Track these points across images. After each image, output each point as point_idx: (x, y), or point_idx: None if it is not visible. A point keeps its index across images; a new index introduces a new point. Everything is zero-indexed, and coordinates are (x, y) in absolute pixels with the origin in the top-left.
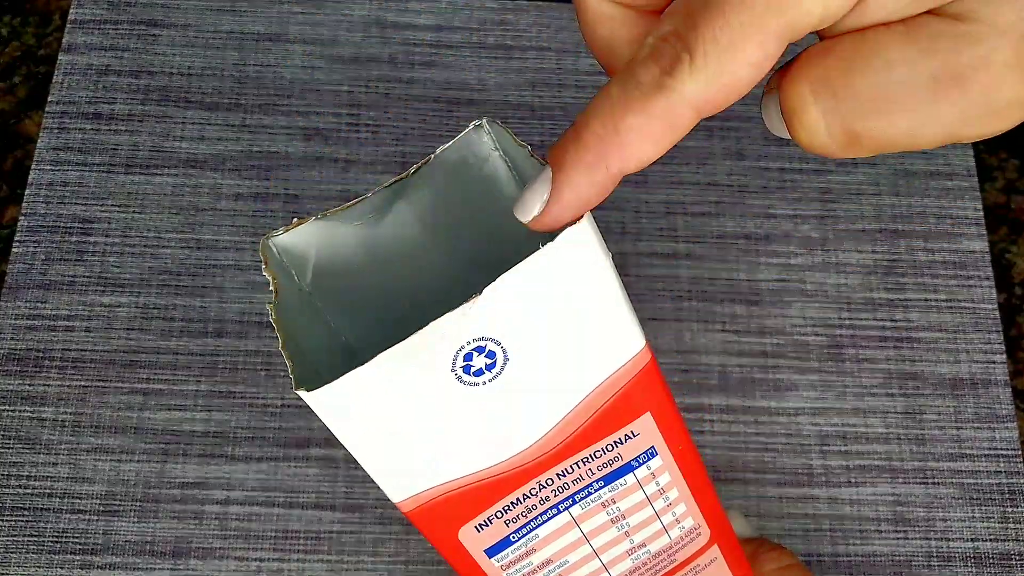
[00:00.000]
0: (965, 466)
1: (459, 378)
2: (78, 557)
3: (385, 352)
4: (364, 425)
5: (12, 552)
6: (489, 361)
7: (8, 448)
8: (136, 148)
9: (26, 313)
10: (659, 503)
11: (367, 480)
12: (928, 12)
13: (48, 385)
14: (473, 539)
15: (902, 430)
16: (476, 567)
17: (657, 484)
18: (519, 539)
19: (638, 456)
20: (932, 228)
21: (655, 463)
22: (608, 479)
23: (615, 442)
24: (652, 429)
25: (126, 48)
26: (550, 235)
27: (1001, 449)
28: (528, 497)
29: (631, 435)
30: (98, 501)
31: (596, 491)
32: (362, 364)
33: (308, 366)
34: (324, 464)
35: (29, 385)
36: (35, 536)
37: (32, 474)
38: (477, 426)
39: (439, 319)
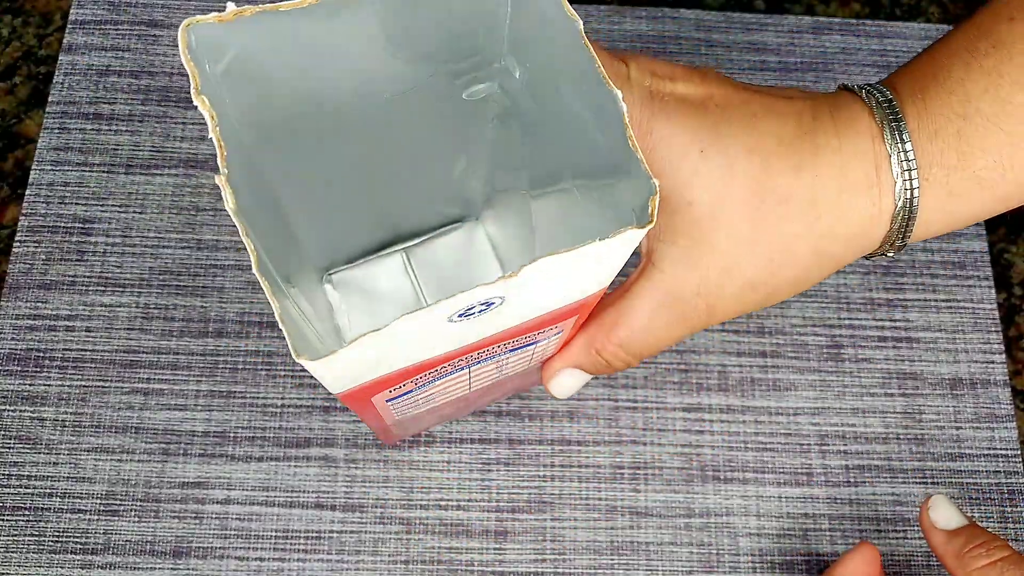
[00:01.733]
0: (964, 466)
1: (450, 320)
2: (79, 557)
3: (401, 320)
4: (347, 368)
5: (13, 552)
6: (484, 307)
7: (9, 448)
8: (137, 148)
9: (27, 313)
10: (537, 356)
11: (367, 480)
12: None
13: (49, 385)
14: (382, 397)
15: (901, 430)
16: (371, 408)
17: (546, 348)
18: (419, 389)
19: (546, 336)
20: None
21: (554, 336)
22: (514, 350)
23: (539, 333)
24: (570, 323)
25: (127, 48)
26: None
27: (1000, 449)
28: (442, 368)
29: (555, 329)
30: (99, 501)
31: (499, 355)
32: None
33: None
34: (324, 464)
35: (30, 385)
36: (36, 536)
37: (33, 474)
38: (440, 341)
39: (468, 292)
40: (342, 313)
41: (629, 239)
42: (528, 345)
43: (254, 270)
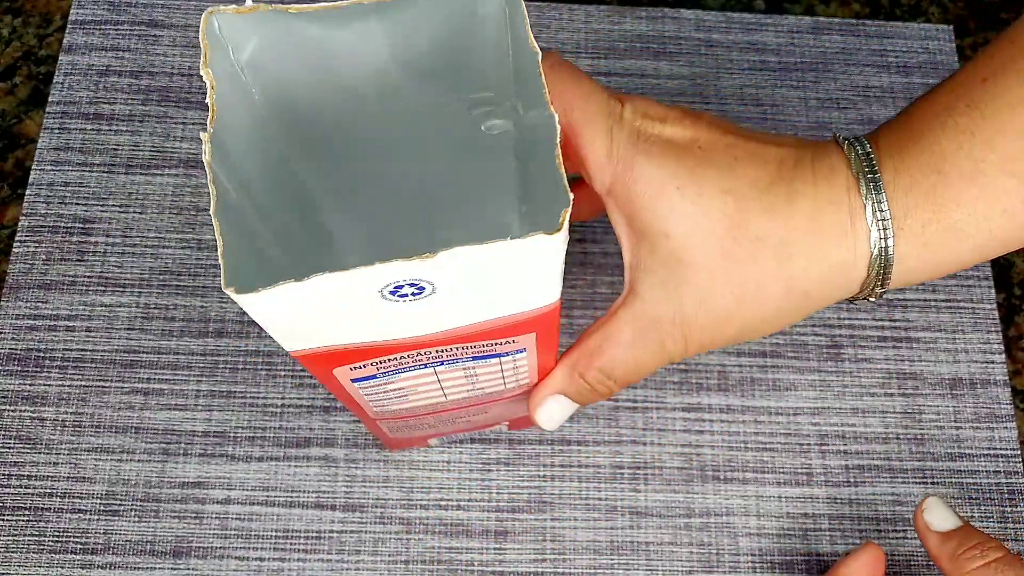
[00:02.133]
0: (964, 466)
1: (383, 297)
2: (79, 557)
3: (321, 276)
4: (281, 314)
5: (13, 552)
6: (416, 291)
7: (9, 448)
8: (137, 148)
9: (27, 313)
10: (509, 374)
11: (367, 480)
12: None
13: (49, 385)
14: (345, 373)
15: (901, 430)
16: (340, 386)
17: (515, 366)
18: (383, 376)
19: (509, 351)
20: None
21: (520, 357)
22: (477, 359)
23: (495, 343)
24: (531, 341)
25: (127, 48)
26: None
27: (1000, 449)
28: (403, 358)
29: (511, 342)
30: (99, 501)
31: (463, 362)
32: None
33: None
34: (324, 464)
35: (30, 385)
36: (36, 536)
37: (33, 474)
38: (382, 321)
39: (386, 265)
40: None
41: (541, 242)
42: (491, 356)
43: (211, 211)
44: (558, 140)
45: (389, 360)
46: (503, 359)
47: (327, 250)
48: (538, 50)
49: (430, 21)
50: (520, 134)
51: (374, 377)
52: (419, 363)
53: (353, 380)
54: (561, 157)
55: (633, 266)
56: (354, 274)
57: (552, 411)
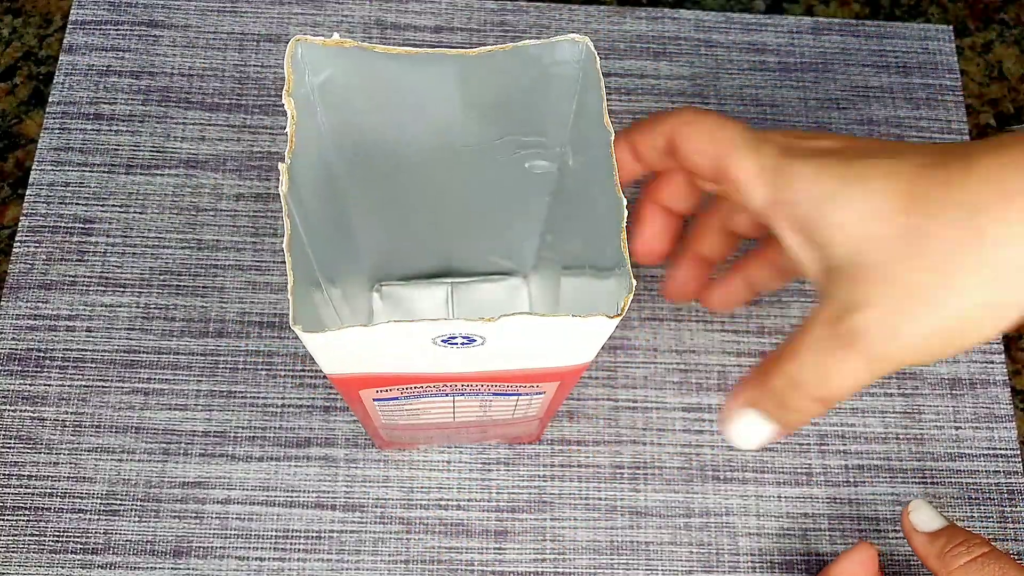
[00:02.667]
0: (964, 466)
1: (435, 343)
2: (79, 557)
3: (387, 324)
4: (338, 350)
5: (13, 552)
6: (467, 341)
7: (9, 448)
8: (137, 148)
9: (27, 313)
10: (521, 408)
11: (367, 480)
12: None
13: (49, 385)
14: (370, 394)
15: (901, 430)
16: (358, 399)
17: (529, 403)
18: (405, 399)
19: (528, 392)
20: None
21: (538, 398)
22: (497, 394)
23: (519, 385)
24: (553, 387)
25: (127, 49)
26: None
27: (1000, 449)
28: (429, 387)
29: (535, 387)
30: (99, 501)
31: (481, 394)
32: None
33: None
34: (324, 464)
35: (30, 385)
36: (36, 536)
37: (33, 474)
38: (425, 360)
39: (449, 322)
40: (378, 319)
41: (598, 324)
42: (510, 395)
43: (284, 245)
44: (624, 224)
45: (416, 387)
46: (520, 397)
47: (352, 252)
48: (611, 131)
49: (504, 74)
50: (562, 177)
51: (396, 399)
52: (442, 392)
53: (375, 399)
54: (626, 240)
55: (813, 271)
56: (418, 326)
57: (742, 430)
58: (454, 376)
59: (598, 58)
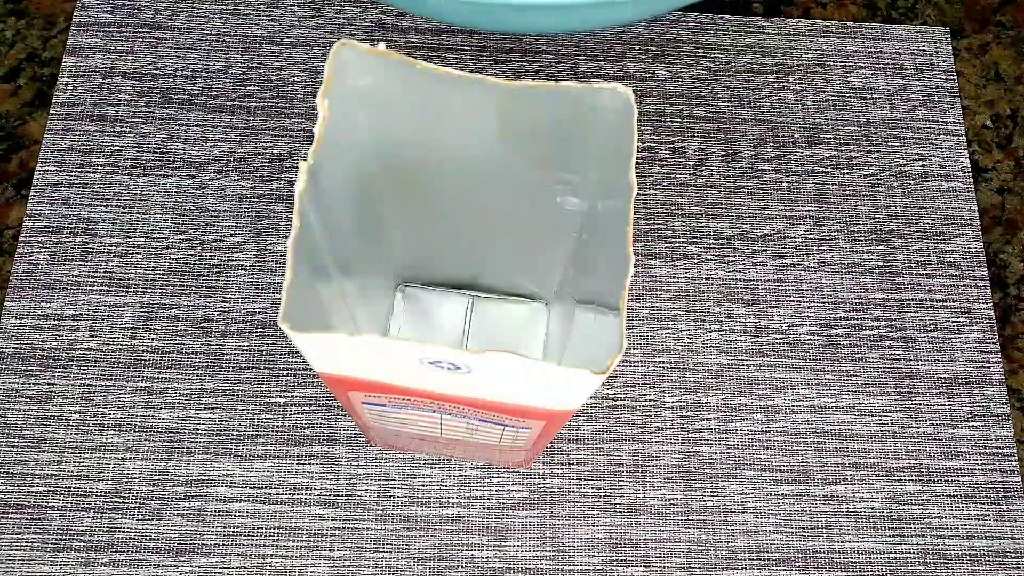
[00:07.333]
0: (960, 464)
1: (422, 363)
2: (82, 555)
3: (372, 337)
4: (326, 352)
5: (17, 550)
6: (454, 368)
7: (13, 447)
8: (140, 150)
9: (31, 313)
10: (508, 438)
11: (368, 477)
12: None
13: (53, 384)
14: (358, 396)
15: (897, 428)
16: (347, 398)
17: (516, 435)
18: (393, 407)
19: (515, 425)
20: (927, 229)
21: (524, 432)
22: (484, 421)
23: (506, 417)
24: (540, 425)
25: (130, 51)
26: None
27: (996, 447)
28: (417, 401)
29: (522, 421)
30: (103, 499)
31: (469, 418)
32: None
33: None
34: (326, 462)
35: (34, 384)
36: (40, 534)
37: (37, 472)
38: (413, 376)
39: (435, 347)
40: (396, 319)
41: (582, 377)
42: (496, 424)
43: (289, 242)
44: (628, 280)
45: (404, 398)
46: (507, 428)
47: (379, 250)
48: (635, 186)
49: (546, 110)
50: (590, 217)
51: (384, 405)
52: (430, 407)
53: (364, 402)
54: (626, 298)
55: None
56: (403, 345)
57: None
58: (440, 396)
59: (636, 110)
